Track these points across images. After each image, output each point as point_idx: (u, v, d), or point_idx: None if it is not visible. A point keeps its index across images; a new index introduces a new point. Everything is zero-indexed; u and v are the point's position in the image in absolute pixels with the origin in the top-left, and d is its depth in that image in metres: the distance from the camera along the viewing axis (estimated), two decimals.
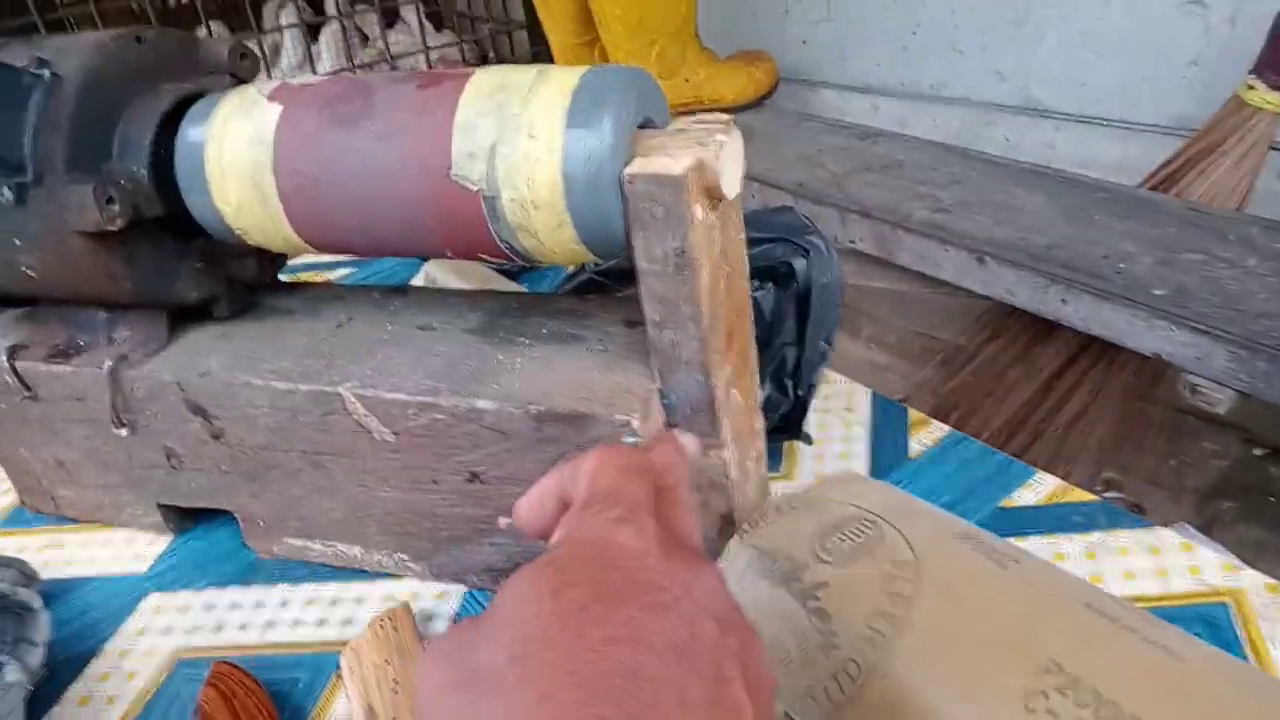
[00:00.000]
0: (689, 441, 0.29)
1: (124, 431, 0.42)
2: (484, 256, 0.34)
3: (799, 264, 0.43)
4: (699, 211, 0.30)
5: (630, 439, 0.33)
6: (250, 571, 0.44)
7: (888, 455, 0.45)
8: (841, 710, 0.28)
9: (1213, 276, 0.88)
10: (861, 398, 0.49)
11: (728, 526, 0.37)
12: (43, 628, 0.38)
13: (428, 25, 1.78)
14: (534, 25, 1.79)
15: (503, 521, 0.38)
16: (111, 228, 0.36)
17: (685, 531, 0.24)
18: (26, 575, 0.42)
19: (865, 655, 0.28)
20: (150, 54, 0.38)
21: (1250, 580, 0.36)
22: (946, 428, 0.46)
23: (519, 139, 0.30)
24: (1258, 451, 0.72)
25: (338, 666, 0.38)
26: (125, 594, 0.44)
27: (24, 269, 0.39)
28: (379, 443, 0.38)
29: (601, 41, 1.40)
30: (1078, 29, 1.29)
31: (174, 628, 0.41)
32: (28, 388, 0.43)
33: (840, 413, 0.48)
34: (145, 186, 0.37)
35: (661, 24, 1.34)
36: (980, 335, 1.15)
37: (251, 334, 0.42)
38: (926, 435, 0.46)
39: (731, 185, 0.31)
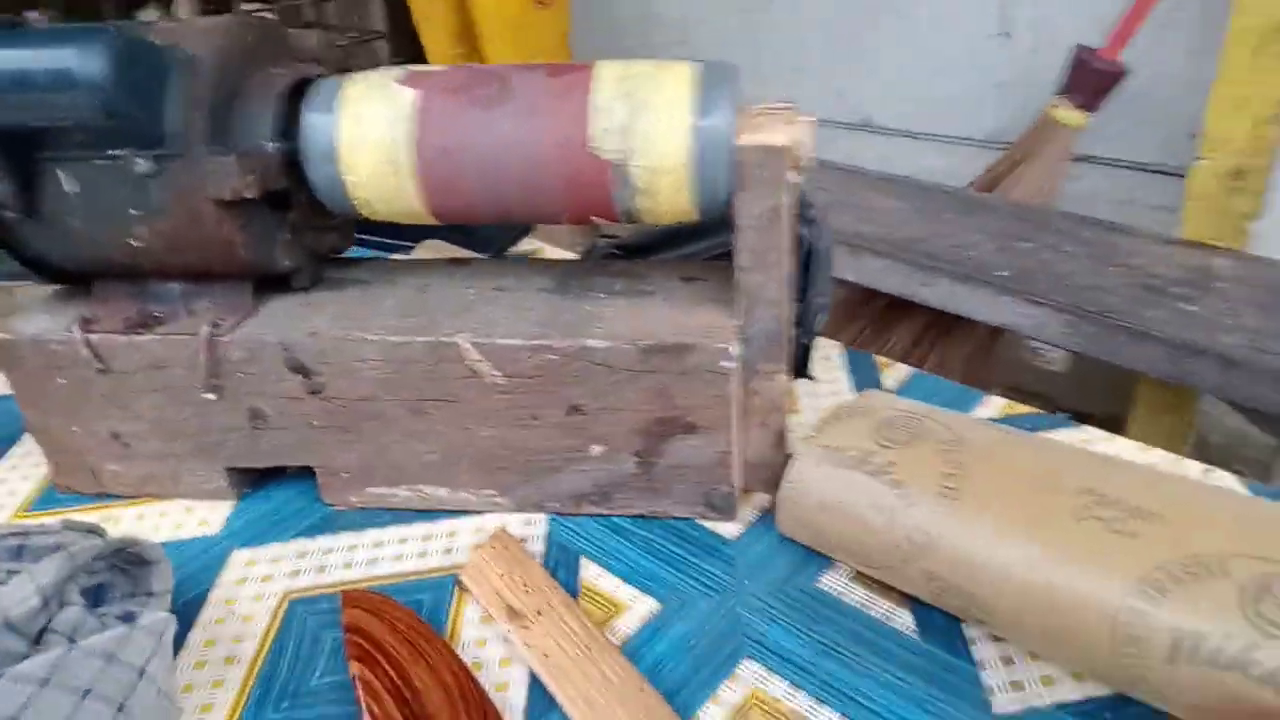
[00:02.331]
0: None
1: (211, 396, 0.45)
2: (593, 218, 0.41)
3: (802, 231, 0.52)
4: (791, 176, 0.38)
5: (726, 363, 0.40)
6: (330, 522, 0.48)
7: (869, 388, 0.55)
8: (926, 552, 0.37)
9: (1042, 260, 1.07)
10: (833, 349, 0.59)
11: (780, 439, 0.45)
12: (165, 577, 0.41)
13: None
14: (395, 35, 1.81)
15: (595, 449, 0.44)
16: (248, 195, 0.39)
17: None
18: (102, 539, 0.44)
19: (940, 508, 0.37)
20: (259, 39, 0.42)
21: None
22: (908, 367, 0.57)
23: (651, 117, 0.38)
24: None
25: (455, 585, 0.43)
26: (207, 553, 0.46)
27: (130, 239, 0.42)
28: (486, 386, 0.43)
29: (478, 55, 1.45)
30: (907, 55, 1.48)
31: (274, 575, 0.45)
32: (100, 360, 0.45)
33: (820, 361, 0.58)
34: (273, 160, 0.41)
35: (540, 40, 1.42)
36: (841, 317, 1.30)
37: (338, 300, 0.46)
38: (892, 374, 0.56)
39: (809, 157, 0.40)
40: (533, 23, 1.40)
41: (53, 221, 0.42)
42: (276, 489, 0.50)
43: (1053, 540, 0.35)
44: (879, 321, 1.29)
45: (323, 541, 0.46)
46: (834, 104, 1.61)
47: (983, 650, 0.38)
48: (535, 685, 0.37)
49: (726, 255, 0.57)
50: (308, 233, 0.46)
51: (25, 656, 0.34)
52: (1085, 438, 0.49)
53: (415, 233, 0.74)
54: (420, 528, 0.47)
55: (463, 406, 0.44)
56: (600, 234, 0.57)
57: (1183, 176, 1.29)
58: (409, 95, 0.40)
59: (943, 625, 0.39)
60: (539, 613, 0.40)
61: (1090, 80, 1.19)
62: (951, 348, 1.27)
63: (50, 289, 0.49)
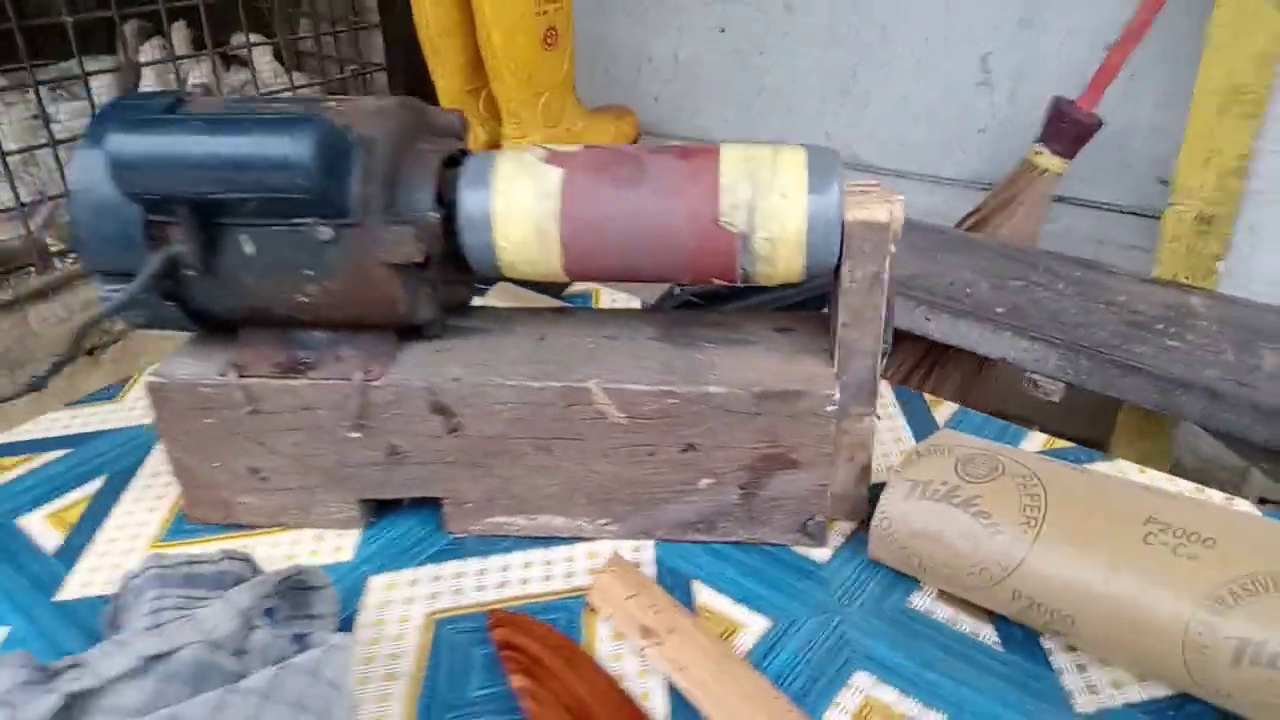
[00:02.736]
0: None
1: (356, 435, 0.50)
2: (714, 279, 0.47)
3: None
4: (891, 247, 0.45)
5: (830, 407, 0.46)
6: (456, 549, 0.52)
7: (923, 426, 0.61)
8: (1012, 575, 0.43)
9: (1034, 298, 1.15)
10: (884, 387, 0.65)
11: (864, 474, 0.51)
12: (330, 600, 0.45)
13: (277, 66, 1.79)
14: (393, 68, 1.86)
15: (704, 483, 0.50)
16: (417, 260, 0.44)
17: None
18: (255, 567, 0.48)
19: (1024, 535, 0.43)
20: (414, 118, 0.47)
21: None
22: (953, 405, 0.63)
23: (773, 196, 0.44)
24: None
25: (585, 605, 0.48)
26: (345, 578, 0.50)
27: (301, 295, 0.46)
28: (610, 425, 0.48)
29: (487, 90, 1.51)
30: (895, 99, 1.57)
31: (414, 597, 0.49)
32: (252, 401, 0.50)
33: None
34: (435, 228, 0.46)
35: (547, 78, 1.47)
36: None
37: (465, 347, 0.51)
38: (940, 411, 0.63)
39: (898, 230, 0.46)
40: (541, 63, 1.45)
41: (227, 279, 0.46)
42: (398, 518, 0.55)
43: (1126, 561, 0.41)
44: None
45: (451, 566, 0.51)
46: (823, 144, 1.68)
47: (1059, 659, 0.44)
48: (674, 696, 0.43)
49: (795, 305, 0.63)
50: (442, 288, 0.51)
51: (236, 673, 0.39)
52: (1118, 470, 0.56)
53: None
54: (538, 553, 0.52)
55: (586, 444, 0.49)
56: (677, 284, 0.63)
57: (1151, 218, 1.39)
58: (555, 174, 0.45)
59: (1022, 637, 0.45)
60: (670, 630, 0.45)
61: (1068, 129, 1.28)
62: (946, 374, 1.35)
63: (188, 335, 0.53)
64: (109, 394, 0.69)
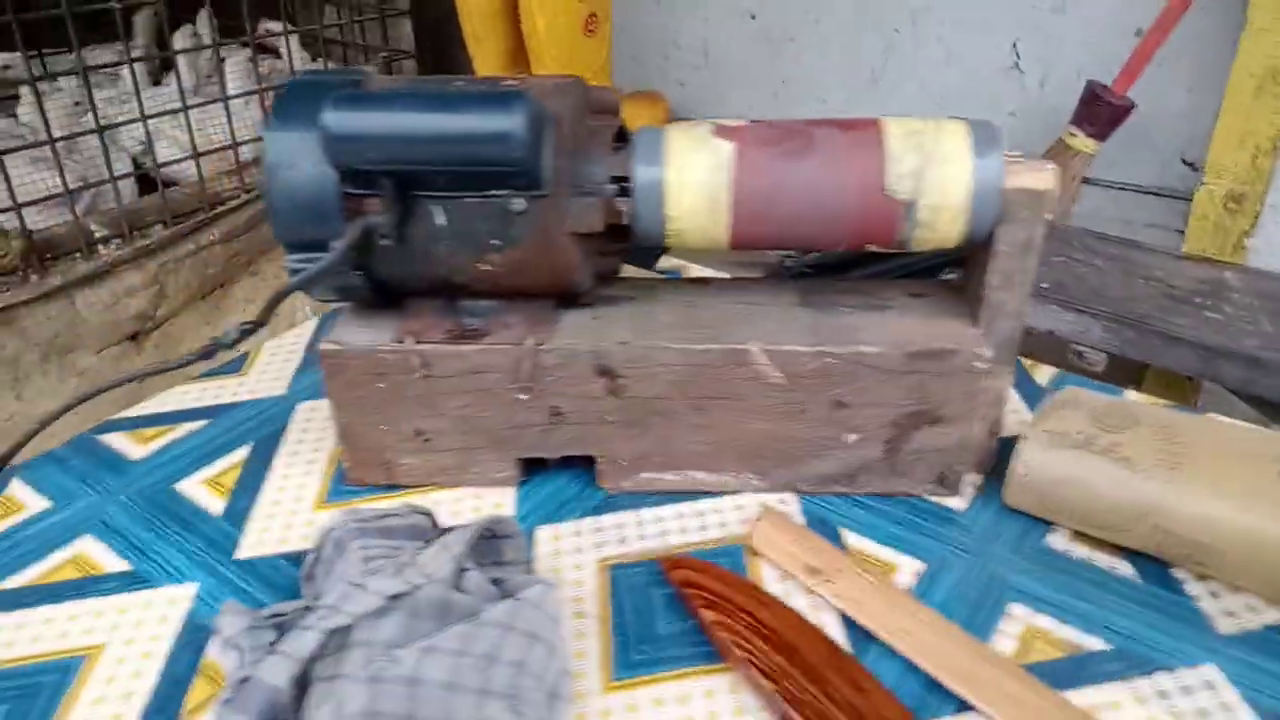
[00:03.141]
0: None
1: (524, 397, 0.53)
2: (871, 245, 0.50)
3: None
4: (1047, 214, 0.48)
5: (980, 364, 0.50)
6: (609, 504, 0.55)
7: (1027, 388, 0.65)
8: (1154, 512, 0.47)
9: (1076, 273, 1.19)
10: None
11: (995, 428, 0.54)
12: (520, 548, 0.48)
13: (304, 54, 1.80)
14: (422, 54, 1.87)
15: (850, 438, 0.53)
16: (599, 229, 0.47)
17: None
18: (435, 520, 0.51)
19: (1165, 476, 0.47)
20: (583, 95, 0.50)
21: None
22: (1050, 367, 0.67)
23: (938, 165, 0.47)
24: None
25: (746, 550, 0.51)
26: None
27: (485, 265, 0.49)
28: (766, 385, 0.52)
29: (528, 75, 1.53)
30: (922, 85, 1.61)
31: (582, 547, 0.52)
32: (426, 366, 0.52)
33: None
34: (611, 200, 0.49)
35: (587, 64, 1.50)
36: None
37: (619, 314, 0.54)
38: (1039, 374, 0.67)
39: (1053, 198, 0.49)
40: (582, 49, 1.48)
41: (416, 249, 0.49)
42: (551, 477, 0.58)
43: (1262, 495, 0.45)
44: None
45: (609, 519, 0.54)
46: None
47: (1193, 588, 0.48)
48: (851, 628, 0.46)
49: (900, 275, 0.67)
50: (598, 258, 0.54)
51: (470, 608, 0.42)
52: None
53: None
54: (687, 506, 0.55)
55: (741, 403, 0.53)
56: (787, 255, 0.66)
57: (1175, 198, 1.43)
58: (727, 147, 0.48)
59: (1157, 571, 0.49)
60: (838, 570, 0.48)
61: (1102, 113, 1.33)
62: None
63: (347, 307, 0.56)
64: (233, 368, 0.72)
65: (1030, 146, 1.52)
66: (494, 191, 0.47)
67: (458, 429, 0.55)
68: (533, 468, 0.58)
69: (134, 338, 1.52)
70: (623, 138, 0.51)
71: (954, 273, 0.61)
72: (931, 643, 0.44)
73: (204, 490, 0.58)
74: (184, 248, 1.52)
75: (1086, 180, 1.49)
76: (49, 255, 1.41)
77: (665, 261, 0.86)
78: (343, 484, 0.58)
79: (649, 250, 0.80)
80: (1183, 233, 1.39)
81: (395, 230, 0.48)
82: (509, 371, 0.52)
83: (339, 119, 0.43)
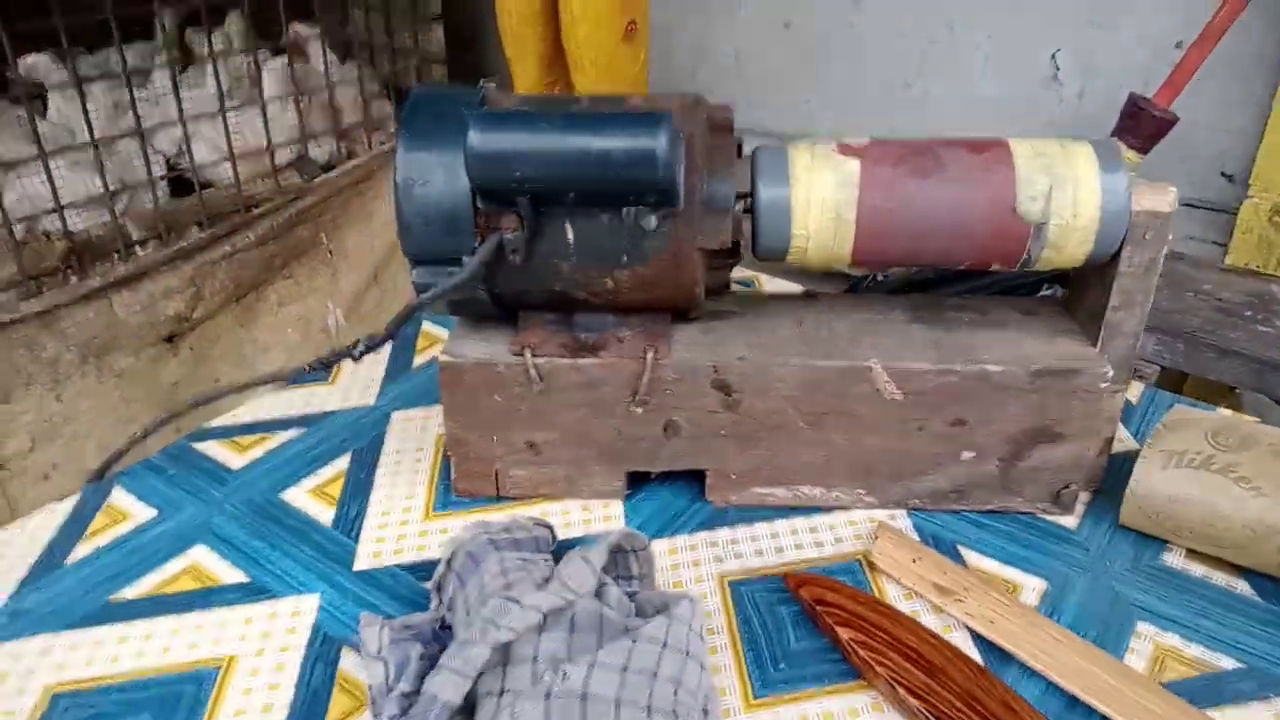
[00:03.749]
0: None
1: (639, 410, 0.53)
2: (995, 264, 0.50)
3: None
4: (1170, 234, 0.48)
5: (1104, 384, 0.50)
6: (719, 517, 0.56)
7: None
8: (1272, 537, 0.47)
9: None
10: None
11: (1107, 445, 0.55)
12: (647, 562, 0.49)
13: (332, 56, 1.80)
14: (454, 60, 1.87)
15: (966, 455, 0.53)
16: (727, 245, 0.48)
17: None
18: (554, 533, 0.51)
19: None
20: (704, 114, 0.51)
21: None
22: (1138, 384, 0.67)
23: (1069, 187, 0.47)
24: None
25: (866, 567, 0.51)
26: None
27: (608, 279, 0.49)
28: (885, 402, 0.52)
29: (564, 82, 1.53)
30: (958, 95, 1.61)
31: (700, 560, 0.52)
32: (541, 379, 0.53)
33: None
34: (737, 218, 0.49)
35: (625, 70, 1.50)
36: None
37: (729, 328, 0.55)
38: (1131, 391, 0.67)
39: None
40: (621, 55, 1.48)
41: (544, 265, 0.49)
42: (657, 490, 0.58)
43: None
44: None
45: (723, 534, 0.54)
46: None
47: None
48: (984, 647, 0.46)
49: (994, 291, 0.67)
50: (709, 273, 0.54)
51: (620, 623, 0.42)
52: None
53: None
54: (800, 521, 0.55)
55: (857, 420, 0.53)
56: (874, 274, 0.66)
57: (1214, 210, 1.44)
58: (853, 165, 0.49)
59: (1275, 590, 0.50)
60: (966, 589, 0.49)
61: (1145, 126, 1.33)
62: None
63: (455, 319, 0.56)
64: (320, 376, 0.72)
65: None
66: (628, 210, 0.47)
67: (569, 441, 0.55)
68: (638, 481, 0.58)
69: (170, 340, 1.52)
70: (739, 155, 0.52)
71: (1052, 289, 0.61)
72: (1071, 662, 0.44)
73: (310, 500, 0.58)
74: (220, 250, 1.52)
75: None
76: (88, 257, 1.40)
77: (736, 272, 0.86)
78: (450, 495, 0.58)
79: None
80: (1221, 245, 1.39)
81: (525, 247, 0.48)
82: (626, 385, 0.52)
83: (484, 139, 0.44)
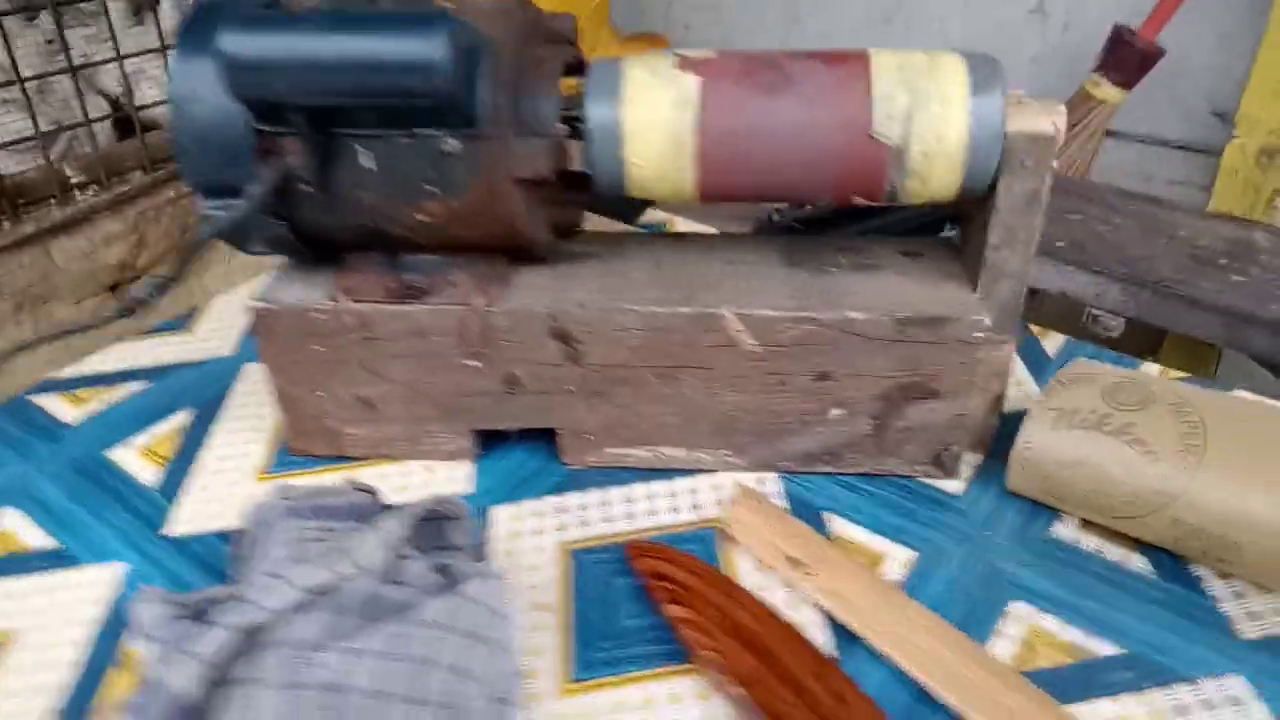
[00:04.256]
0: None
1: (476, 363, 0.48)
2: (858, 198, 0.44)
3: None
4: (1054, 162, 0.42)
5: (978, 333, 0.44)
6: (573, 480, 0.51)
7: (1034, 357, 0.59)
8: (1173, 503, 0.42)
9: (1094, 231, 1.12)
10: None
11: (997, 404, 0.49)
12: (468, 531, 0.44)
13: None
14: None
15: (834, 413, 0.48)
16: (548, 176, 0.42)
17: None
18: (379, 498, 0.46)
19: (1186, 462, 0.42)
20: (529, 21, 0.44)
21: None
22: (1061, 335, 0.61)
23: (932, 105, 0.41)
24: None
25: (720, 536, 0.46)
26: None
27: (422, 215, 0.44)
28: (740, 354, 0.46)
29: None
30: (940, 28, 1.52)
31: (543, 529, 0.47)
32: (365, 327, 0.47)
33: None
34: (563, 143, 0.43)
35: (583, 3, 1.42)
36: None
37: (581, 272, 0.49)
38: (1049, 342, 0.61)
39: (1060, 144, 0.44)
40: None
41: (342, 196, 0.44)
42: (511, 450, 0.53)
43: None
44: None
45: (574, 498, 0.49)
46: None
47: (1215, 587, 0.43)
48: (834, 626, 0.41)
49: (896, 231, 0.61)
50: (557, 209, 0.49)
51: (403, 604, 0.37)
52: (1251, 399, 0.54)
53: None
54: (660, 485, 0.50)
55: (713, 373, 0.47)
56: (775, 209, 0.60)
57: (1202, 152, 1.36)
58: (692, 81, 0.43)
59: (1173, 566, 0.44)
60: (820, 560, 0.43)
61: (1129, 59, 1.25)
62: None
63: (280, 261, 0.51)
64: (177, 324, 0.67)
65: (1052, 94, 1.43)
66: (422, 131, 0.41)
67: (403, 397, 0.50)
68: (492, 440, 0.53)
69: (114, 289, 1.47)
70: (579, 71, 0.46)
71: (955, 228, 0.55)
72: (923, 646, 0.39)
73: (139, 459, 0.54)
74: (164, 195, 1.46)
75: (1110, 133, 1.42)
76: (22, 201, 1.36)
77: (650, 215, 0.80)
78: (288, 455, 0.53)
79: (626, 202, 0.75)
80: (1208, 189, 1.31)
81: (316, 174, 0.42)
82: (456, 334, 0.47)
83: (237, 42, 0.38)
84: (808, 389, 0.47)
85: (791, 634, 0.39)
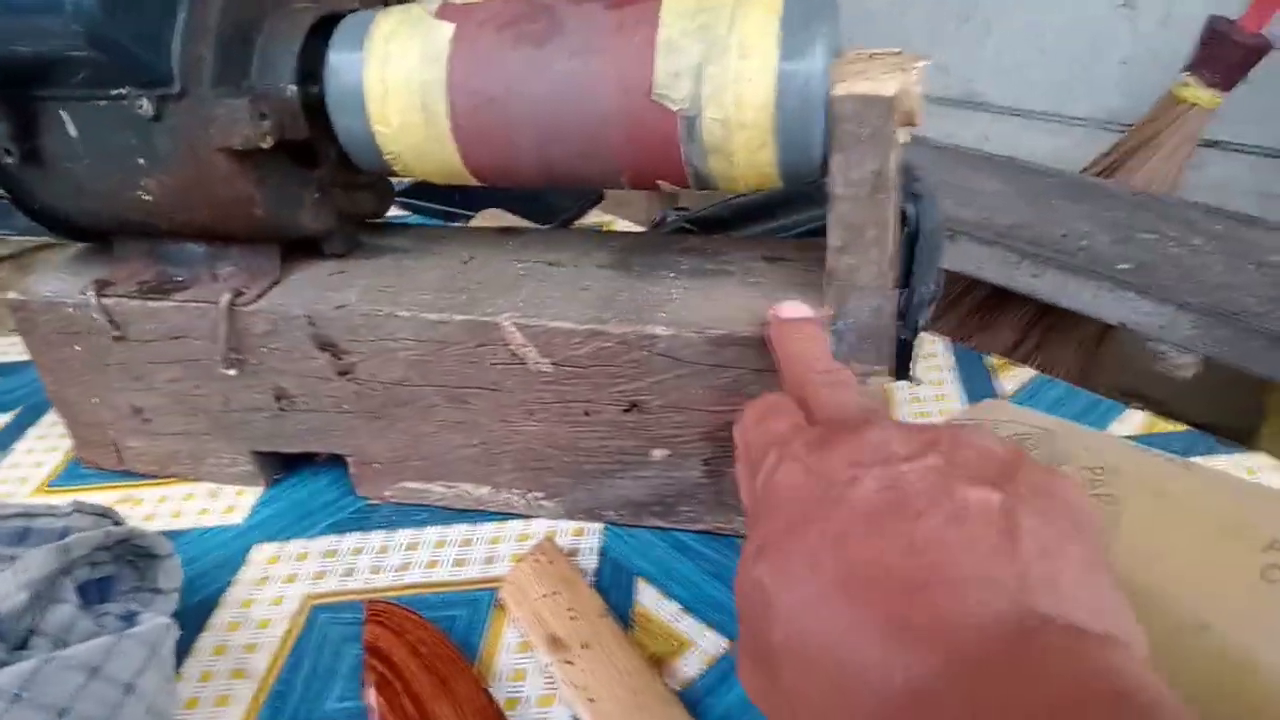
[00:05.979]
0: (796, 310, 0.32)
1: (232, 371, 0.40)
2: (661, 183, 0.35)
3: (906, 206, 0.44)
4: (901, 135, 0.31)
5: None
6: (364, 518, 0.43)
7: (981, 394, 0.47)
8: None
9: (1167, 253, 0.96)
10: (939, 344, 0.52)
11: None
12: (173, 573, 0.36)
13: None
14: None
15: (657, 454, 0.38)
16: (262, 145, 0.34)
17: (842, 408, 0.26)
18: (115, 522, 0.40)
19: None
20: None
21: None
22: (1028, 370, 0.49)
23: (729, 59, 0.31)
24: None
25: (494, 602, 0.37)
26: (228, 545, 0.42)
27: (141, 192, 0.37)
28: (532, 374, 0.37)
29: None
30: (1020, 27, 1.37)
31: (298, 575, 0.40)
32: (116, 326, 0.41)
33: (923, 360, 0.50)
34: (293, 105, 0.35)
35: None
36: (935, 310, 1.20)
37: (372, 270, 0.41)
38: (1009, 377, 0.49)
39: (921, 114, 0.33)
40: None
41: (56, 169, 0.37)
42: (311, 477, 0.45)
43: (1236, 607, 0.27)
44: (979, 315, 1.19)
45: (352, 540, 0.42)
46: (935, 78, 1.50)
47: None
48: None
49: (810, 234, 0.50)
50: (339, 193, 0.41)
51: (2, 664, 0.30)
52: (1252, 465, 0.41)
53: (474, 201, 0.69)
54: (460, 529, 0.42)
55: (504, 396, 0.38)
56: (676, 205, 0.51)
57: None
58: (445, 31, 0.34)
59: None
60: (585, 645, 0.34)
61: (1226, 54, 1.07)
62: (1062, 346, 1.17)
63: (73, 249, 0.46)
64: None
65: (1145, 100, 1.26)
66: (118, 92, 0.34)
67: (175, 408, 0.43)
68: (295, 464, 0.46)
69: None
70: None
71: None
72: None
73: None
74: None
75: (1214, 143, 1.23)
76: None
77: (594, 217, 0.71)
78: (81, 467, 0.48)
79: (561, 202, 0.66)
80: None
81: (20, 143, 0.36)
82: (210, 337, 0.40)
83: None
84: (618, 422, 0.38)
85: None
